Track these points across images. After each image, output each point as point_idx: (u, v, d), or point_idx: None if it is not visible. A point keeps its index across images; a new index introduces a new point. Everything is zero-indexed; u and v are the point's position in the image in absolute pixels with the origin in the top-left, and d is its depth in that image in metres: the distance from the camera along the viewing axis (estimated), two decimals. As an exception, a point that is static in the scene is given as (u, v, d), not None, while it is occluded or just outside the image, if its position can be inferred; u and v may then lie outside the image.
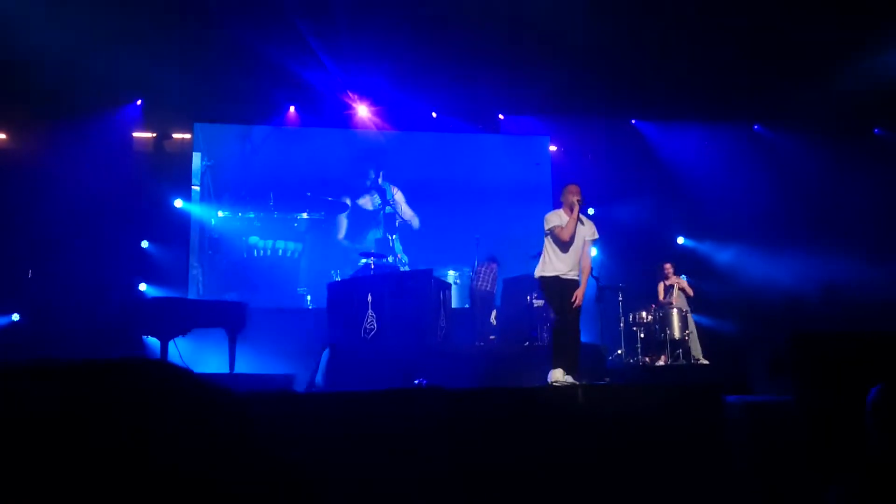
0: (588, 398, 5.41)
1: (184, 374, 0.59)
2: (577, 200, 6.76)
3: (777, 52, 10.67)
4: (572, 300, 6.72)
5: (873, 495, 1.89)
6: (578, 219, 6.77)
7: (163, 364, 0.60)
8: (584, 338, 7.12)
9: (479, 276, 10.38)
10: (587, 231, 6.93)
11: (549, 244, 6.86)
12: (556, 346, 6.73)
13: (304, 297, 11.84)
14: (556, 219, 6.86)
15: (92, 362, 0.57)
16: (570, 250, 6.78)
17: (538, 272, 6.90)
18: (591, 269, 7.28)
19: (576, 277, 6.81)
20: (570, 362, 6.73)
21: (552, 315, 7.03)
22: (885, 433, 2.05)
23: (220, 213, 12.16)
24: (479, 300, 10.33)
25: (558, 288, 6.74)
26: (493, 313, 10.36)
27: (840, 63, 10.31)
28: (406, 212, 12.62)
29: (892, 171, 11.02)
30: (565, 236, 6.70)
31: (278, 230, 12.26)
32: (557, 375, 6.52)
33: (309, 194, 12.36)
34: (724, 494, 4.36)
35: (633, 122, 13.26)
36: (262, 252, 12.13)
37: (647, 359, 10.12)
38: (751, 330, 10.04)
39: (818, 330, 4.40)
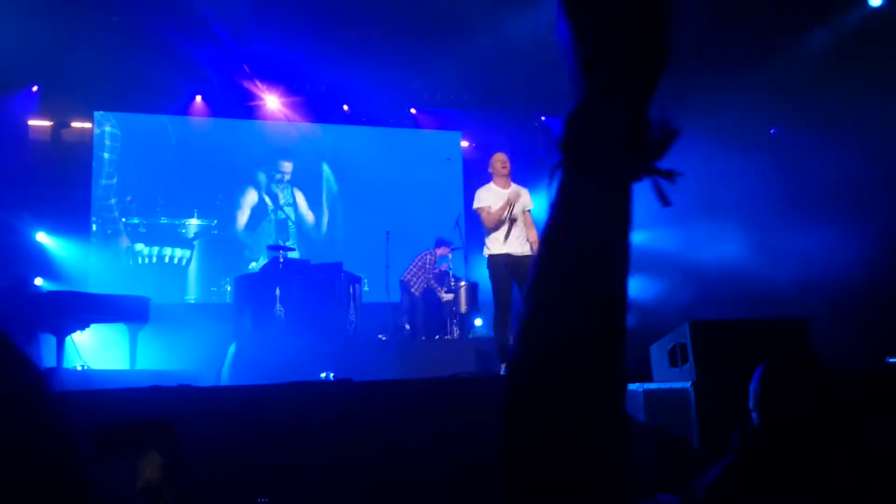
0: (494, 390, 5.45)
1: None
2: (501, 168, 6.60)
3: (682, 54, 10.98)
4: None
5: (746, 475, 1.96)
6: (507, 175, 6.59)
7: None
8: (485, 330, 6.95)
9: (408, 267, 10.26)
10: (525, 200, 6.66)
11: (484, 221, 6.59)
12: (499, 338, 6.47)
13: (209, 291, 11.58)
14: (485, 196, 6.60)
15: None
16: (507, 220, 6.50)
17: (485, 252, 6.57)
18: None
19: (527, 253, 6.49)
20: None
21: (494, 303, 6.57)
22: (763, 412, 2.12)
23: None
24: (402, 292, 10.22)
25: (508, 269, 6.41)
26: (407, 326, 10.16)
27: (741, 67, 10.69)
28: (307, 215, 12.46)
29: (786, 166, 11.50)
30: (490, 223, 6.48)
31: (165, 236, 11.91)
32: None
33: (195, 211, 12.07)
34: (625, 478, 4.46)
35: (542, 118, 13.45)
36: (147, 259, 11.75)
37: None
38: (651, 320, 10.31)
39: (714, 318, 4.54)
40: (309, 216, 12.47)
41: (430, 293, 10.11)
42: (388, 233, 10.61)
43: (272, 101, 12.23)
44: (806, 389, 2.04)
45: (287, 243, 11.00)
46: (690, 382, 4.12)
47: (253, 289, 8.82)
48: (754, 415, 2.15)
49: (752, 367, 2.41)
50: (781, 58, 10.54)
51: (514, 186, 6.69)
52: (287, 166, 12.57)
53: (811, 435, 1.98)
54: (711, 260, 11.05)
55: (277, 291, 8.49)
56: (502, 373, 6.37)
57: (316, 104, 12.54)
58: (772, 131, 12.76)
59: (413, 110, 13.09)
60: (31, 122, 11.64)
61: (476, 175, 12.26)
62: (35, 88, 11.33)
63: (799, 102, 11.08)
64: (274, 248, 9.56)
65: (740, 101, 10.94)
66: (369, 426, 4.68)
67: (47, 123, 11.81)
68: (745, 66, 10.62)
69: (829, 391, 2.03)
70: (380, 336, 10.09)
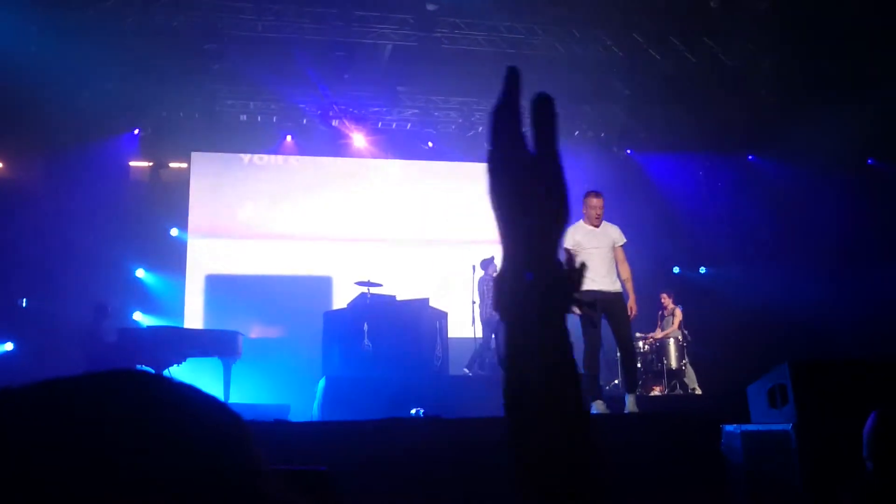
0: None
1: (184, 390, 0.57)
2: (593, 211, 6.50)
3: (772, 85, 10.80)
4: (627, 314, 6.38)
5: None
6: (600, 216, 6.54)
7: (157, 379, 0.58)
8: (579, 368, 6.89)
9: (480, 305, 10.34)
10: (615, 235, 6.60)
11: None
12: (589, 375, 6.35)
13: (299, 326, 11.81)
14: (572, 235, 6.41)
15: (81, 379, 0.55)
16: (597, 259, 6.39)
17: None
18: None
19: (618, 290, 6.43)
20: (630, 381, 6.52)
21: (583, 340, 6.37)
22: (878, 461, 2.05)
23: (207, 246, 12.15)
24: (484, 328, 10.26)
25: (598, 306, 6.27)
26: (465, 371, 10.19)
27: (836, 95, 10.41)
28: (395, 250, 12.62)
29: (884, 200, 11.09)
30: None
31: (256, 271, 12.24)
32: (600, 407, 6.25)
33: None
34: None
35: (629, 152, 13.35)
36: (238, 294, 12.04)
37: (642, 389, 10.10)
38: (748, 358, 10.03)
39: (816, 357, 4.40)
40: (397, 251, 12.64)
41: None
42: (473, 267, 10.64)
43: (359, 140, 12.51)
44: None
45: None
46: (791, 424, 3.99)
47: (342, 324, 8.96)
48: (868, 464, 2.08)
49: (855, 409, 2.33)
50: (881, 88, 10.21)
51: (603, 225, 6.63)
52: (374, 199, 12.80)
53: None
54: (803, 296, 10.68)
55: (365, 326, 8.60)
56: (593, 411, 6.29)
57: (400, 141, 12.80)
58: (868, 161, 12.34)
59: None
60: (133, 164, 12.21)
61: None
62: (136, 131, 11.90)
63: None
64: (362, 283, 9.70)
65: (835, 132, 10.62)
66: (460, 463, 4.68)
67: (147, 164, 12.36)
68: (843, 95, 10.31)
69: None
70: (464, 370, 10.13)
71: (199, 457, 0.51)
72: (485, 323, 10.28)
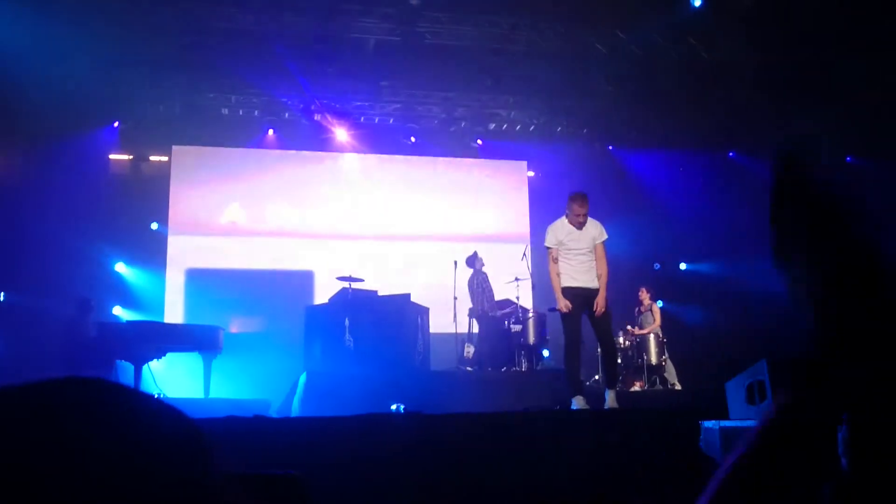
0: (565, 424, 5.40)
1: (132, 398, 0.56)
2: (576, 217, 6.52)
3: (754, 82, 10.85)
4: (594, 310, 6.43)
5: None
6: (584, 221, 6.58)
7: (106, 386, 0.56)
8: (560, 364, 6.96)
9: (472, 300, 10.39)
10: (596, 232, 6.63)
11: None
12: (570, 371, 6.45)
13: (280, 321, 11.76)
14: (554, 235, 6.61)
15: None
16: (578, 259, 6.49)
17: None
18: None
19: (595, 286, 6.50)
20: (610, 377, 6.62)
21: (564, 336, 6.54)
22: (853, 458, 2.06)
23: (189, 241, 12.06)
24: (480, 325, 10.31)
25: (579, 302, 6.41)
26: (467, 347, 10.25)
27: (817, 94, 10.48)
28: (376, 246, 12.58)
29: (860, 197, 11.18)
30: (550, 269, 6.56)
31: (238, 266, 12.17)
32: (581, 403, 6.29)
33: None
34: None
35: (610, 148, 13.38)
36: (230, 279, 11.97)
37: (622, 384, 10.14)
38: (727, 355, 10.09)
39: (794, 355, 4.43)
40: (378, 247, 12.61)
41: (497, 323, 10.12)
42: (455, 262, 10.64)
43: (341, 134, 12.48)
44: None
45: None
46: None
47: (323, 319, 8.94)
48: (843, 461, 2.09)
49: (838, 409, 2.34)
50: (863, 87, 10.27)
51: (587, 223, 6.64)
52: (356, 194, 12.76)
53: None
54: (783, 293, 10.74)
55: (347, 322, 8.58)
56: (573, 407, 6.31)
57: (383, 136, 12.76)
58: (847, 159, 12.42)
59: (479, 141, 13.18)
60: (112, 157, 12.10)
61: (542, 204, 12.27)
62: (116, 124, 11.79)
63: (874, 133, 10.80)
64: (343, 278, 9.67)
65: (815, 129, 10.66)
66: (440, 459, 4.68)
67: (127, 157, 12.25)
68: (824, 93, 10.37)
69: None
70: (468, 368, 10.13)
71: (152, 469, 0.50)
72: (479, 318, 10.30)
